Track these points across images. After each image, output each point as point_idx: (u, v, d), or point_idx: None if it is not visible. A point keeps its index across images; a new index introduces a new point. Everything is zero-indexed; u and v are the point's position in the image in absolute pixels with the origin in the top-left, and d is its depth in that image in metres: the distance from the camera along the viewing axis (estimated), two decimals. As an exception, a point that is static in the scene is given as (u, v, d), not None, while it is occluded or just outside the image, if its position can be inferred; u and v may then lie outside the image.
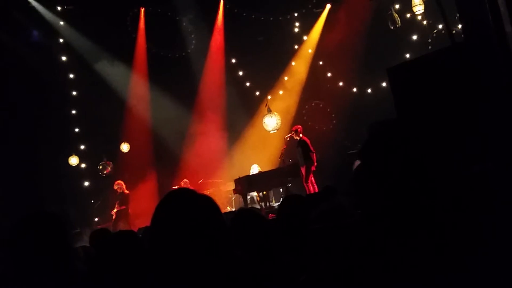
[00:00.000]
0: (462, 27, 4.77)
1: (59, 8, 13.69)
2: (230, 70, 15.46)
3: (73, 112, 14.20)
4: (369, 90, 14.31)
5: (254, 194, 12.89)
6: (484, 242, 1.56)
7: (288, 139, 11.72)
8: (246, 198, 12.13)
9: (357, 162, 1.78)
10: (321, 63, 15.25)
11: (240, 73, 15.80)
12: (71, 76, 14.21)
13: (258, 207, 12.16)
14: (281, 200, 3.58)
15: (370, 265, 1.62)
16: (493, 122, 3.08)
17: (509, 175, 1.83)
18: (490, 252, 1.54)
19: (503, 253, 1.54)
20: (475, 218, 1.63)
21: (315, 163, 11.09)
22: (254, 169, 13.38)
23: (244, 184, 11.86)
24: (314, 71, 15.21)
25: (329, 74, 15.16)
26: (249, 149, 14.74)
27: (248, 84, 15.87)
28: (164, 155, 14.40)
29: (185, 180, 13.30)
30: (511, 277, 1.50)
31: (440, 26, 12.30)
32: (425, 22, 12.77)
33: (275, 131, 12.74)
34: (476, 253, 1.54)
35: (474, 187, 1.71)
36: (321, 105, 15.51)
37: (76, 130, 14.23)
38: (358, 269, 1.66)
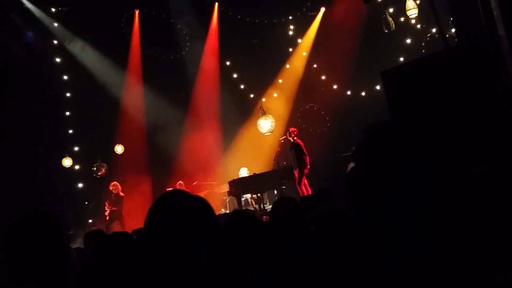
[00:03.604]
0: (455, 30, 4.80)
1: (53, 9, 13.67)
2: (224, 72, 15.48)
3: (67, 113, 14.17)
4: (363, 93, 14.38)
5: (249, 196, 12.89)
6: (483, 242, 1.56)
7: (282, 141, 11.71)
8: (241, 200, 12.12)
9: (351, 165, 1.78)
10: (315, 66, 15.32)
11: (235, 75, 15.81)
12: (65, 77, 14.17)
13: (253, 209, 12.15)
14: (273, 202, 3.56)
15: (366, 266, 1.63)
16: (487, 124, 3.10)
17: (508, 175, 1.84)
18: (489, 252, 1.55)
19: (503, 253, 1.55)
20: (473, 218, 1.63)
21: (308, 166, 11.05)
22: (243, 172, 13.37)
23: (239, 186, 11.85)
24: (308, 74, 15.26)
25: (323, 77, 15.22)
26: (244, 151, 14.74)
27: (242, 86, 15.90)
28: (159, 156, 14.36)
29: (179, 182, 13.28)
30: (511, 277, 1.51)
31: (434, 30, 12.38)
32: (419, 26, 12.85)
33: (270, 133, 12.72)
34: (475, 253, 1.54)
35: (471, 188, 1.72)
36: (315, 108, 15.56)
37: (70, 131, 14.18)
38: (355, 270, 1.66)
